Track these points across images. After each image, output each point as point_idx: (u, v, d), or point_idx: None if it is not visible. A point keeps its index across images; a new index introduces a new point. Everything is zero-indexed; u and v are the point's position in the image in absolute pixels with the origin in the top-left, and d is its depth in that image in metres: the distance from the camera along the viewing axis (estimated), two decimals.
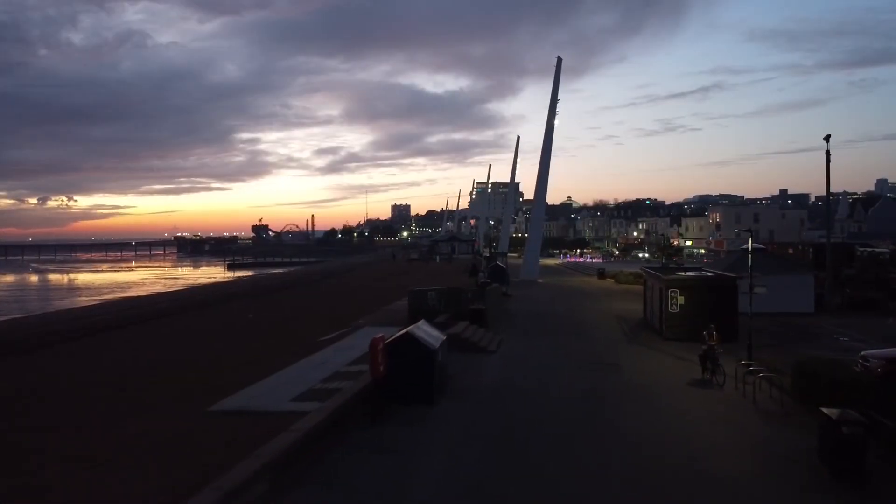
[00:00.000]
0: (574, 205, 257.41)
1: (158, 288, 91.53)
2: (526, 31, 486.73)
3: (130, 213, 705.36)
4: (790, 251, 59.92)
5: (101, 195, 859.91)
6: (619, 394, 18.18)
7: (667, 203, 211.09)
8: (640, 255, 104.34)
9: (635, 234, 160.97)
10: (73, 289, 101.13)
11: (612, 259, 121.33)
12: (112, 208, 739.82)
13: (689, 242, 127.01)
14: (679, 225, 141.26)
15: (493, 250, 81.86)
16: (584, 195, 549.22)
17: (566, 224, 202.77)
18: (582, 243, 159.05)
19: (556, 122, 64.12)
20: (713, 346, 19.88)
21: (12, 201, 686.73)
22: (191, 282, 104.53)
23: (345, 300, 46.16)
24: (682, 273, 31.92)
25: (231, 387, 18.11)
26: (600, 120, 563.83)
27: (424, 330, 17.45)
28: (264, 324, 33.67)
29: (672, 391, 18.65)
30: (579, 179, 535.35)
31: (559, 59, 61.10)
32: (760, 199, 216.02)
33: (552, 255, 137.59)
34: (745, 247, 42.20)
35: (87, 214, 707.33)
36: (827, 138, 38.16)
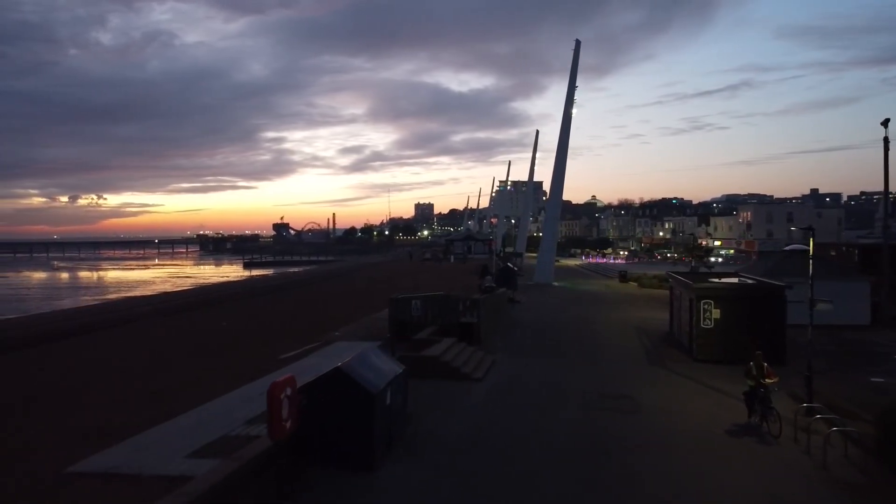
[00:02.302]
0: (598, 204, 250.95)
1: (166, 287, 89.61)
2: (551, 29, 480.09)
3: (158, 212, 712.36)
4: (832, 253, 54.18)
5: (129, 193, 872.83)
6: (633, 448, 13.41)
7: (693, 202, 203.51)
8: (668, 254, 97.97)
9: (661, 233, 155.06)
10: (80, 287, 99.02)
11: (636, 260, 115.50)
12: (140, 206, 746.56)
13: (717, 242, 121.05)
14: (707, 224, 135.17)
15: (504, 250, 76.89)
16: (608, 195, 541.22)
17: (589, 224, 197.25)
18: (605, 243, 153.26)
19: (577, 112, 59.06)
20: (765, 380, 14.99)
21: (44, 199, 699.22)
22: (201, 281, 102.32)
23: (337, 304, 42.13)
24: (716, 280, 26.86)
25: (124, 430, 13.84)
26: (626, 119, 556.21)
27: (370, 362, 12.85)
28: (232, 334, 29.59)
29: (706, 445, 13.80)
30: (604, 179, 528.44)
31: (577, 43, 56.05)
32: (790, 199, 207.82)
33: (573, 256, 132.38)
34: (788, 247, 37.08)
35: (116, 212, 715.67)
36: (885, 123, 32.87)
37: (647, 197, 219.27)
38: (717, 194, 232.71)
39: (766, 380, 14.99)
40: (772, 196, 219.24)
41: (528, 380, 19.67)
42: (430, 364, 18.81)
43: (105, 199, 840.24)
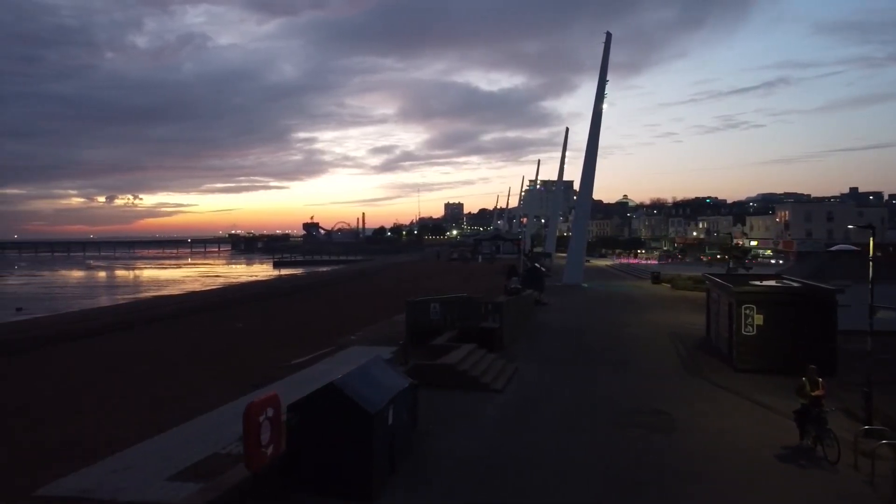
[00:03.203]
0: (630, 203, 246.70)
1: (195, 286, 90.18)
2: (582, 27, 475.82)
3: (192, 212, 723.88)
4: (878, 254, 51.37)
5: (164, 193, 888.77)
6: (671, 475, 11.83)
7: (728, 202, 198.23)
8: (705, 257, 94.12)
9: (695, 233, 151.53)
10: (110, 286, 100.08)
11: (669, 260, 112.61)
12: (175, 206, 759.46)
13: (754, 243, 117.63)
14: (743, 224, 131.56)
15: (532, 250, 75.12)
16: (640, 194, 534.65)
17: (621, 223, 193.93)
18: (637, 243, 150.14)
19: (608, 110, 57.19)
20: (818, 397, 13.28)
21: (82, 200, 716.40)
22: (229, 280, 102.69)
23: (360, 305, 41.03)
24: (758, 282, 24.96)
25: (109, 445, 12.72)
26: (658, 117, 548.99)
27: (370, 375, 11.49)
28: (247, 336, 28.61)
29: (753, 472, 12.15)
30: (635, 178, 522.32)
31: (608, 36, 54.12)
32: (829, 198, 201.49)
33: (604, 256, 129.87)
34: (834, 248, 34.85)
35: (151, 212, 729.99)
36: None
37: (679, 196, 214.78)
38: (753, 193, 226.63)
39: (816, 393, 13.29)
40: (809, 195, 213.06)
41: (553, 391, 18.12)
42: (446, 373, 17.40)
43: (141, 199, 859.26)
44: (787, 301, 21.70)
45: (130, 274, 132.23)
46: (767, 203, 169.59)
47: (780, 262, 62.53)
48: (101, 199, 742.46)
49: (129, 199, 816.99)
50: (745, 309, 21.15)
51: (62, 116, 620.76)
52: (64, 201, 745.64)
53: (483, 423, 14.75)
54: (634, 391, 18.32)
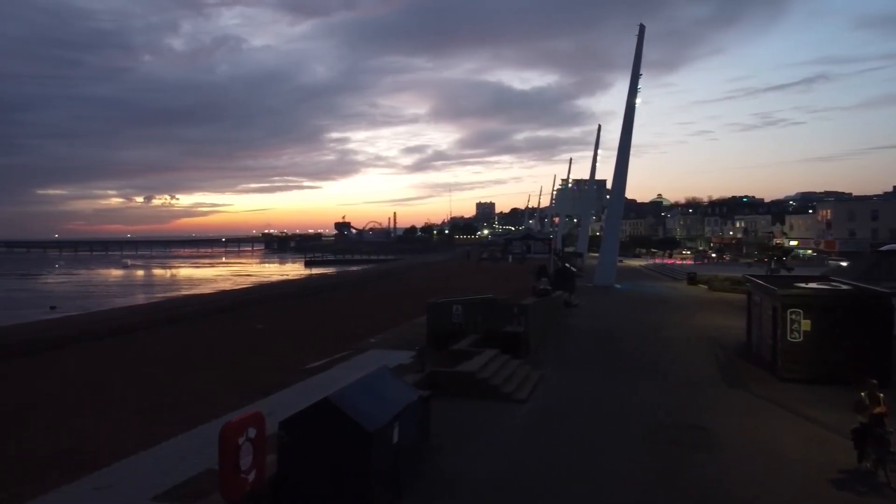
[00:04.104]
0: (664, 202, 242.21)
1: (226, 285, 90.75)
2: (615, 24, 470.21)
3: (227, 211, 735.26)
4: None
5: (200, 193, 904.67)
6: (710, 501, 10.52)
7: (766, 200, 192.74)
8: (746, 259, 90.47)
9: (731, 232, 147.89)
10: (142, 284, 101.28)
11: (705, 261, 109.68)
12: (211, 206, 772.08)
13: (794, 242, 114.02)
14: (782, 223, 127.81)
15: (563, 250, 73.53)
16: (674, 193, 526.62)
17: (655, 223, 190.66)
18: (672, 243, 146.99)
19: (642, 108, 55.45)
20: (880, 414, 11.78)
21: (121, 200, 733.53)
22: (260, 279, 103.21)
23: (386, 305, 40.13)
24: (804, 284, 23.27)
25: (97, 458, 11.88)
26: (693, 115, 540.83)
27: (373, 388, 10.40)
28: (265, 337, 27.86)
29: (807, 498, 10.76)
30: (670, 177, 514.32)
31: (641, 28, 52.30)
32: (871, 196, 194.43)
33: (637, 256, 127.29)
34: (885, 248, 32.84)
35: (188, 212, 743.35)
36: None
37: (715, 195, 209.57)
38: (791, 192, 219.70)
39: (877, 410, 11.80)
40: (850, 194, 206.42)
41: (580, 402, 16.81)
42: (465, 382, 16.23)
43: (177, 199, 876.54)
44: (837, 305, 20.03)
45: (165, 273, 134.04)
46: (807, 202, 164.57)
47: (839, 262, 59.36)
48: (139, 199, 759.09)
49: (166, 199, 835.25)
50: (791, 313, 19.55)
51: (101, 118, 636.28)
52: (103, 201, 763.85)
53: (502, 439, 13.54)
54: (669, 402, 16.93)
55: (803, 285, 22.99)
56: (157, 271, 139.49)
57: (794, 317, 19.57)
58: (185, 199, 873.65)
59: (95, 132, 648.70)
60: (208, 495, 10.01)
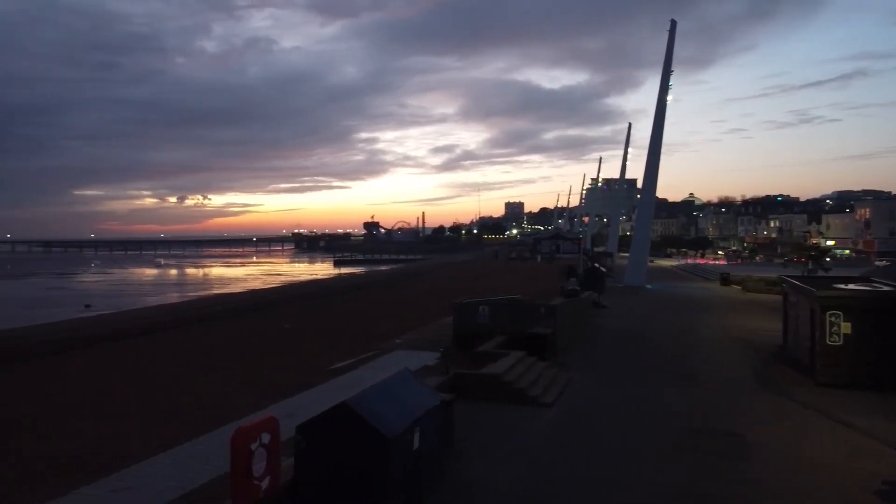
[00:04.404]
0: (696, 202, 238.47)
1: (256, 285, 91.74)
2: (646, 22, 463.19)
3: (258, 211, 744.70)
4: None
5: (232, 194, 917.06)
6: None
7: (801, 199, 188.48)
8: (780, 259, 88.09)
9: (765, 232, 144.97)
10: (174, 283, 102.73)
11: (739, 261, 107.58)
12: (242, 206, 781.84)
13: (830, 242, 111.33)
14: (818, 222, 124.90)
15: (592, 249, 72.57)
16: (707, 192, 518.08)
17: (686, 222, 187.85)
18: (704, 242, 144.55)
19: (673, 107, 54.34)
20: None
21: (155, 200, 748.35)
22: (289, 279, 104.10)
23: (413, 305, 39.95)
24: (844, 286, 22.41)
25: (115, 460, 11.77)
26: (726, 113, 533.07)
27: (393, 392, 10.09)
28: (292, 337, 27.83)
29: None
30: (702, 176, 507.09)
31: (673, 23, 51.31)
32: None
33: (669, 256, 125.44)
34: None
35: (220, 212, 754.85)
36: None
37: (749, 194, 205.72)
38: (828, 190, 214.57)
39: None
40: (889, 192, 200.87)
41: (609, 406, 16.32)
42: (490, 384, 15.87)
43: (209, 199, 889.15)
44: (880, 307, 19.22)
45: (196, 272, 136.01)
46: (844, 200, 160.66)
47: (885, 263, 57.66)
48: (173, 199, 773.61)
49: (198, 199, 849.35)
50: (831, 316, 18.81)
51: (135, 120, 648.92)
52: (138, 202, 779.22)
53: (527, 444, 13.14)
54: (702, 407, 16.36)
55: (843, 286, 22.15)
56: (189, 270, 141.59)
57: (833, 319, 18.83)
58: (216, 200, 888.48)
59: (130, 134, 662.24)
60: (224, 500, 9.84)
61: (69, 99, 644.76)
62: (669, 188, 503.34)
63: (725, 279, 56.97)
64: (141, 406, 15.53)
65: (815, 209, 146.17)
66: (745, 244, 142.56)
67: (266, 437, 7.58)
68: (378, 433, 8.72)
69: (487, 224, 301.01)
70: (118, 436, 13.15)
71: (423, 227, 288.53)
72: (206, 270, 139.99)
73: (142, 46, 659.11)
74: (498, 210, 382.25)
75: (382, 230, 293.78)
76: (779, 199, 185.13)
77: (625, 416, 15.44)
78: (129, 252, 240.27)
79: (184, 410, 15.12)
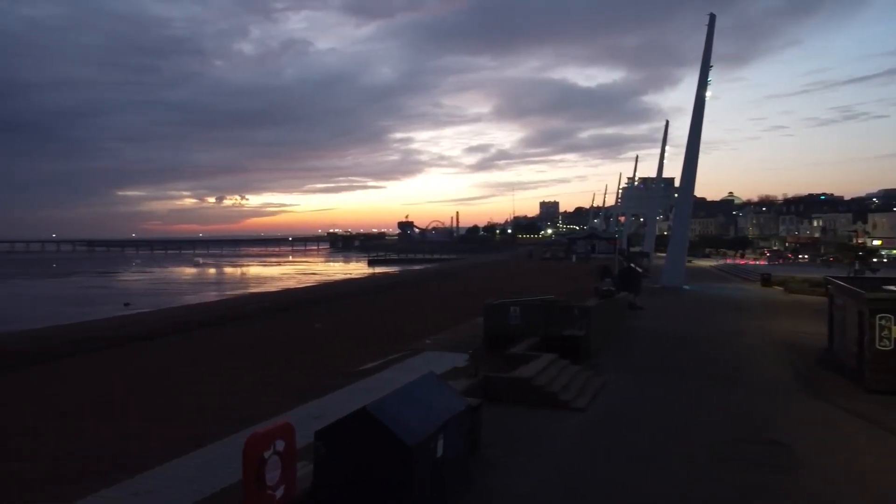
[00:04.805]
0: (735, 201, 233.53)
1: (291, 283, 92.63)
2: (684, 18, 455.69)
3: (294, 211, 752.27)
4: None
5: (268, 194, 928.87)
6: None
7: (845, 198, 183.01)
8: (824, 259, 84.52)
9: (808, 232, 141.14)
10: (210, 283, 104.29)
11: (780, 261, 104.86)
12: (279, 206, 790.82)
13: (877, 242, 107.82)
14: (864, 221, 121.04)
15: (628, 249, 71.35)
16: (746, 191, 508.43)
17: (725, 222, 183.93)
18: (743, 242, 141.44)
19: (712, 104, 53.06)
20: None
21: (194, 200, 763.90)
22: (324, 278, 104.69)
23: (442, 305, 39.60)
24: (893, 287, 21.37)
25: (138, 462, 11.61)
26: (766, 110, 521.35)
27: (416, 397, 9.72)
28: (322, 337, 27.69)
29: None
30: (741, 174, 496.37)
31: (712, 17, 50.00)
32: None
33: (707, 256, 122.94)
34: None
35: (257, 212, 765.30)
36: None
37: (790, 193, 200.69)
38: (873, 189, 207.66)
39: None
40: None
41: (644, 412, 15.72)
42: (520, 388, 15.41)
43: (247, 199, 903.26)
44: None
45: (233, 271, 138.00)
46: (890, 199, 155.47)
47: None
48: (211, 199, 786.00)
49: (236, 199, 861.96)
50: (881, 319, 17.87)
51: (175, 122, 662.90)
52: (178, 202, 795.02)
53: (558, 450, 12.65)
54: (742, 414, 15.65)
55: (893, 288, 21.12)
56: (227, 269, 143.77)
57: (883, 322, 17.89)
58: (254, 200, 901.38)
59: (170, 135, 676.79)
60: None
61: (112, 102, 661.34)
62: (708, 187, 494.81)
63: (766, 280, 55.41)
64: (167, 407, 15.44)
65: (860, 208, 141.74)
66: (787, 244, 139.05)
67: (280, 445, 7.28)
68: (398, 440, 8.36)
69: (522, 224, 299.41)
70: (142, 437, 13.04)
71: (458, 227, 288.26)
72: (243, 269, 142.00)
73: (181, 49, 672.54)
74: (532, 210, 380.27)
75: (416, 230, 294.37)
76: (822, 197, 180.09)
77: (661, 422, 14.82)
78: (168, 251, 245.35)
79: (210, 411, 14.98)
